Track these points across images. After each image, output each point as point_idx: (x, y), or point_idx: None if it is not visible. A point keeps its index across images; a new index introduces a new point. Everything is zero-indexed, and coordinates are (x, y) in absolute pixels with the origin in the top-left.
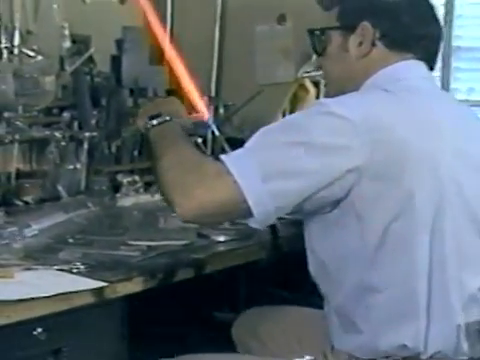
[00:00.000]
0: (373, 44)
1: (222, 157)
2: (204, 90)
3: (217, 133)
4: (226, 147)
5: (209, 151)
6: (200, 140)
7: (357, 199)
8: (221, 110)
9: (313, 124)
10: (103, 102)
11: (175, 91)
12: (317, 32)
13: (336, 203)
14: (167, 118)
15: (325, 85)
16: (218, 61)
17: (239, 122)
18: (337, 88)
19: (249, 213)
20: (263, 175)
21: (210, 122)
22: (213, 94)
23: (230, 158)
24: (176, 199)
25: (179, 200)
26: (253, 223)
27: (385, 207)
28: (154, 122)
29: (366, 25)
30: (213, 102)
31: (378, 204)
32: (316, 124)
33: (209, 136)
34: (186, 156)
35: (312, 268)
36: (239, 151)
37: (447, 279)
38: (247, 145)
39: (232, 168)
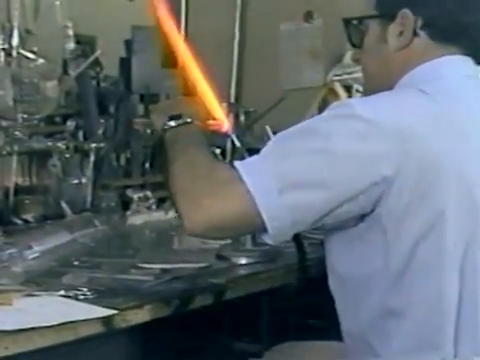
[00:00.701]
0: (415, 34)
1: (235, 163)
2: (222, 96)
3: (237, 144)
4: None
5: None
6: (218, 151)
7: (384, 213)
8: (241, 118)
9: (335, 128)
10: (111, 109)
11: (190, 97)
12: (354, 22)
13: (361, 217)
14: (188, 120)
15: (363, 83)
16: (238, 64)
17: (261, 131)
18: (374, 85)
19: (263, 227)
20: (279, 185)
21: (230, 131)
22: (232, 100)
23: (244, 165)
24: (183, 209)
25: (186, 210)
26: (267, 239)
27: (413, 224)
28: (173, 123)
29: (406, 12)
30: (233, 109)
31: (406, 220)
32: (338, 128)
33: (228, 146)
34: (198, 161)
35: (332, 286)
36: (254, 158)
37: (479, 307)
38: (263, 152)
39: (245, 175)
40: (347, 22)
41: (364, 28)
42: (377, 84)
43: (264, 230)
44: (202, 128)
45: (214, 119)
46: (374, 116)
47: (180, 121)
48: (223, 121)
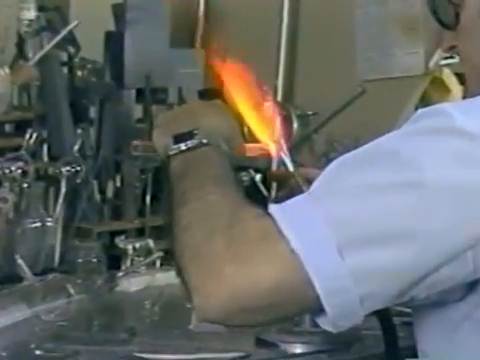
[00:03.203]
0: None
1: (272, 208)
2: (265, 93)
3: (290, 167)
4: (304, 189)
5: (273, 197)
6: (259, 177)
7: None
8: (295, 125)
9: (427, 150)
10: (91, 113)
11: (217, 93)
12: None
13: (469, 286)
14: (204, 141)
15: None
16: (289, 44)
17: (326, 145)
18: (478, 79)
19: (317, 306)
20: (341, 241)
21: (284, 154)
22: (280, 98)
23: (285, 210)
24: (194, 280)
25: (198, 282)
26: (325, 323)
27: None
28: (182, 146)
29: None
30: (281, 112)
31: None
32: (432, 150)
33: (274, 169)
34: (217, 206)
35: None
36: (301, 199)
37: None
38: (313, 189)
39: (288, 227)
40: None
41: (459, 2)
42: None
43: (319, 310)
44: (231, 152)
45: (254, 138)
46: None
47: (191, 143)
48: (270, 140)
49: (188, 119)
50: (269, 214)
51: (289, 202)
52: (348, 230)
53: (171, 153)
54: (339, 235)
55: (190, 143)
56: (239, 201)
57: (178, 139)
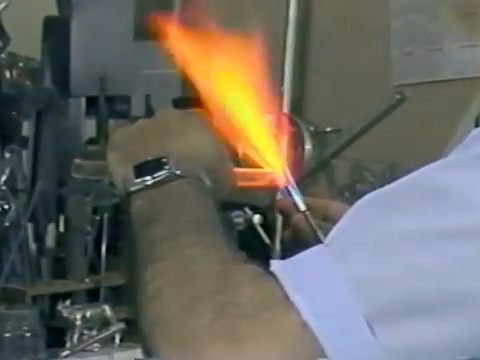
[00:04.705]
0: None
1: (275, 266)
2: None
3: (301, 205)
4: (321, 237)
5: (278, 246)
6: (257, 219)
7: None
8: (307, 145)
9: None
10: (25, 130)
11: (199, 102)
12: None
13: None
14: (177, 172)
15: None
16: (298, 37)
17: (352, 173)
18: None
19: None
20: (372, 311)
21: (292, 187)
22: (286, 108)
23: (293, 267)
24: None
25: None
26: None
27: None
28: (147, 180)
29: None
30: (289, 126)
31: None
32: None
33: (278, 207)
34: (199, 263)
35: None
36: (313, 252)
37: None
38: (333, 237)
39: (298, 293)
40: None
41: None
42: None
43: None
44: (216, 185)
45: (251, 163)
46: None
47: (161, 175)
48: (273, 167)
49: (155, 139)
50: (271, 273)
51: (299, 256)
52: (381, 296)
53: (132, 189)
54: (369, 303)
55: (158, 175)
56: (229, 256)
57: (141, 170)
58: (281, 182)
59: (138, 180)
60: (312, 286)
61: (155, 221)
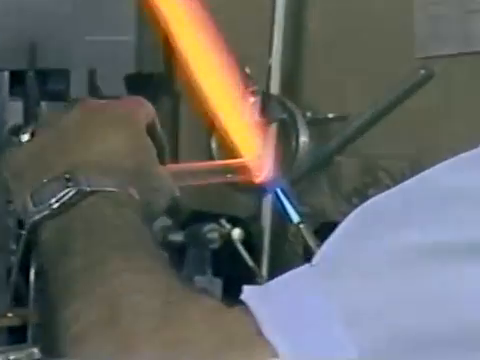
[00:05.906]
0: None
1: (246, 293)
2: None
3: (295, 218)
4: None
5: (265, 270)
6: (238, 234)
7: None
8: (302, 137)
9: None
10: None
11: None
12: None
13: None
14: (86, 188)
15: None
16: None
17: (362, 174)
18: None
19: None
20: (370, 352)
21: (276, 184)
22: (275, 89)
23: (270, 295)
24: None
25: None
26: None
27: None
28: (53, 204)
29: None
30: (277, 112)
31: None
32: None
33: (266, 221)
34: (132, 295)
35: None
36: (298, 274)
37: None
38: (323, 257)
39: (278, 331)
40: None
41: None
42: None
43: None
44: (145, 196)
45: (232, 151)
46: None
47: (64, 194)
48: (258, 157)
49: (58, 153)
50: (242, 303)
51: (280, 279)
52: (383, 332)
53: (32, 221)
54: (365, 340)
55: (60, 197)
56: (169, 283)
57: (39, 195)
58: (267, 182)
59: (36, 209)
60: (295, 320)
61: (68, 252)
